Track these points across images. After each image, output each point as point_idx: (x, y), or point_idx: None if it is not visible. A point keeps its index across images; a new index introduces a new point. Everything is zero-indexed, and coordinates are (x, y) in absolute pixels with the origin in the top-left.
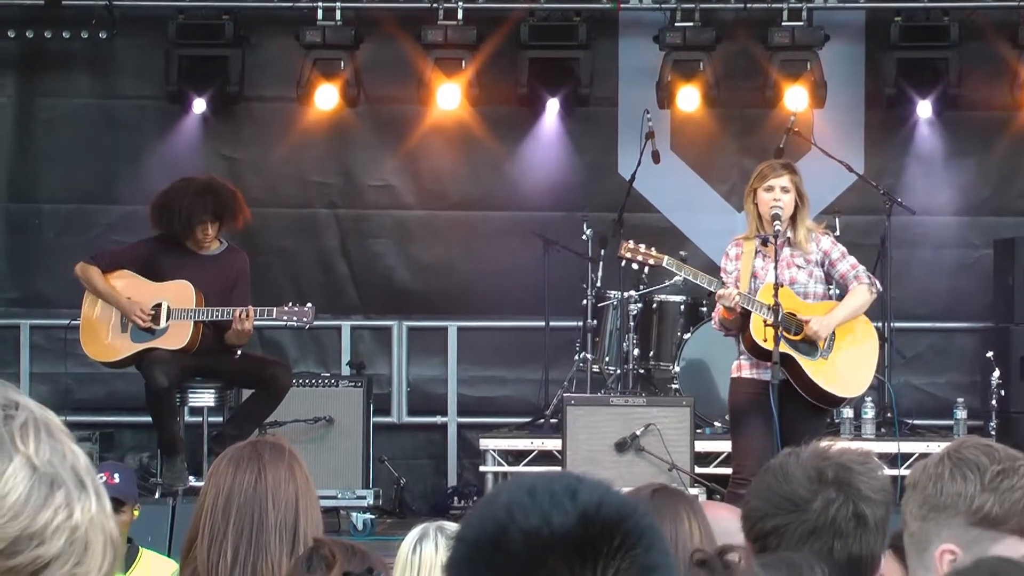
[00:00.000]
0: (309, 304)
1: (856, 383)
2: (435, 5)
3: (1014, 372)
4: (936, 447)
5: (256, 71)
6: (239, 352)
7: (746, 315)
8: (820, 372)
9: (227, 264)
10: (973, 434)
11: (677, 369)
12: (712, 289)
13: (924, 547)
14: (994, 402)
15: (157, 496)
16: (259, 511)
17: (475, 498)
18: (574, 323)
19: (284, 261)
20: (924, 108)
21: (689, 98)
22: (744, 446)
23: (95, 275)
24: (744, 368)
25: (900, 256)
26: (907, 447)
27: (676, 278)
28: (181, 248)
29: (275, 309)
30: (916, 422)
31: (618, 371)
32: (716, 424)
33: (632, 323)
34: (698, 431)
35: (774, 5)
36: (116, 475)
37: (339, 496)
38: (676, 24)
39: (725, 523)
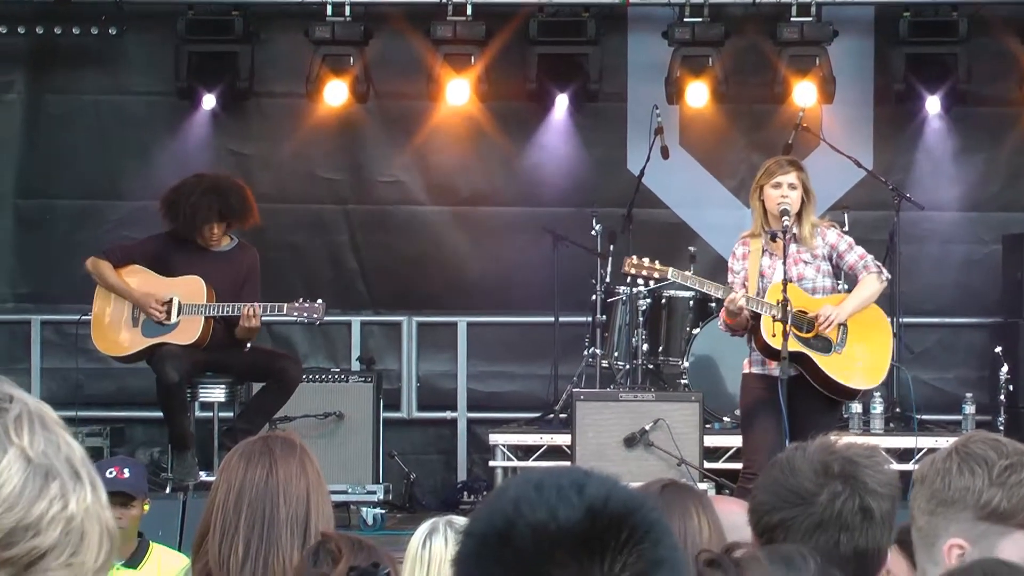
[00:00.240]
0: (319, 300)
1: (873, 374)
2: (444, 1)
3: (1023, 367)
4: (945, 442)
5: (265, 67)
6: (248, 346)
7: (755, 317)
8: (836, 367)
9: (238, 261)
10: (981, 429)
11: (686, 364)
12: (720, 296)
13: (932, 542)
14: (1002, 397)
15: (168, 491)
16: (270, 506)
17: (485, 493)
18: (583, 318)
19: (294, 257)
20: (933, 104)
21: (698, 94)
22: (754, 441)
23: (107, 270)
24: (755, 364)
25: (909, 251)
26: (916, 442)
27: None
28: (192, 244)
29: (285, 305)
30: (925, 417)
31: (627, 366)
32: (725, 419)
33: (641, 318)
34: (707, 426)
35: (783, 1)
36: (126, 470)
37: (349, 491)
38: (685, 20)
39: (734, 517)
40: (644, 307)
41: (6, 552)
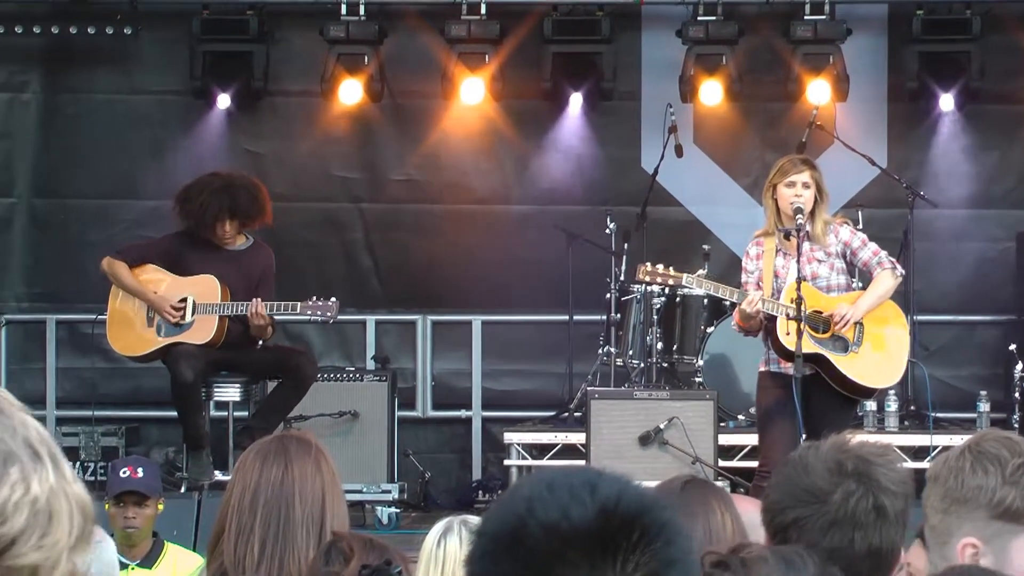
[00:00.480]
0: (333, 299)
1: (891, 372)
2: (459, 0)
3: None
4: (959, 440)
5: (280, 66)
6: (260, 343)
7: (770, 319)
8: (853, 366)
9: (252, 260)
10: (995, 427)
11: (701, 362)
12: (735, 300)
13: (945, 540)
14: (1017, 395)
15: (183, 490)
16: (286, 505)
17: (500, 492)
18: (598, 317)
19: (308, 256)
20: (947, 101)
21: (712, 92)
22: (770, 440)
23: (122, 270)
24: (770, 363)
25: (923, 249)
26: (931, 440)
27: (700, 272)
28: (206, 243)
29: (299, 304)
30: (939, 415)
31: (642, 365)
32: (740, 417)
33: (656, 317)
34: (721, 424)
35: None
36: (140, 470)
37: (364, 490)
38: (699, 18)
39: (749, 516)
40: (658, 305)
41: None
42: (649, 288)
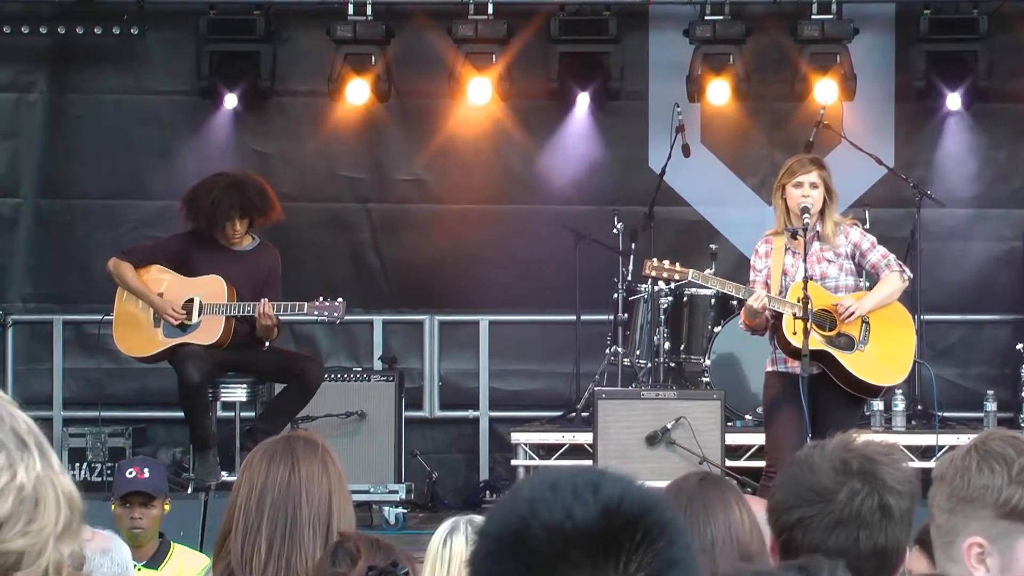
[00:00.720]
0: (340, 299)
1: (896, 370)
2: (466, 0)
3: None
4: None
5: (287, 66)
6: (267, 345)
7: (776, 316)
8: (858, 364)
9: (259, 260)
10: (1002, 426)
11: (708, 362)
12: (741, 296)
13: (952, 540)
14: None
15: (189, 491)
16: (293, 506)
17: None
18: (605, 317)
19: (315, 256)
20: (954, 101)
21: (719, 91)
22: (777, 440)
23: (127, 271)
24: (777, 363)
25: (930, 248)
26: (937, 440)
27: (707, 271)
28: (213, 243)
29: (306, 304)
30: (946, 414)
31: (649, 364)
32: (747, 417)
33: (663, 316)
34: (729, 424)
35: None
36: (146, 470)
37: (371, 490)
38: (706, 18)
39: (756, 515)
40: (666, 305)
41: None
42: (656, 288)
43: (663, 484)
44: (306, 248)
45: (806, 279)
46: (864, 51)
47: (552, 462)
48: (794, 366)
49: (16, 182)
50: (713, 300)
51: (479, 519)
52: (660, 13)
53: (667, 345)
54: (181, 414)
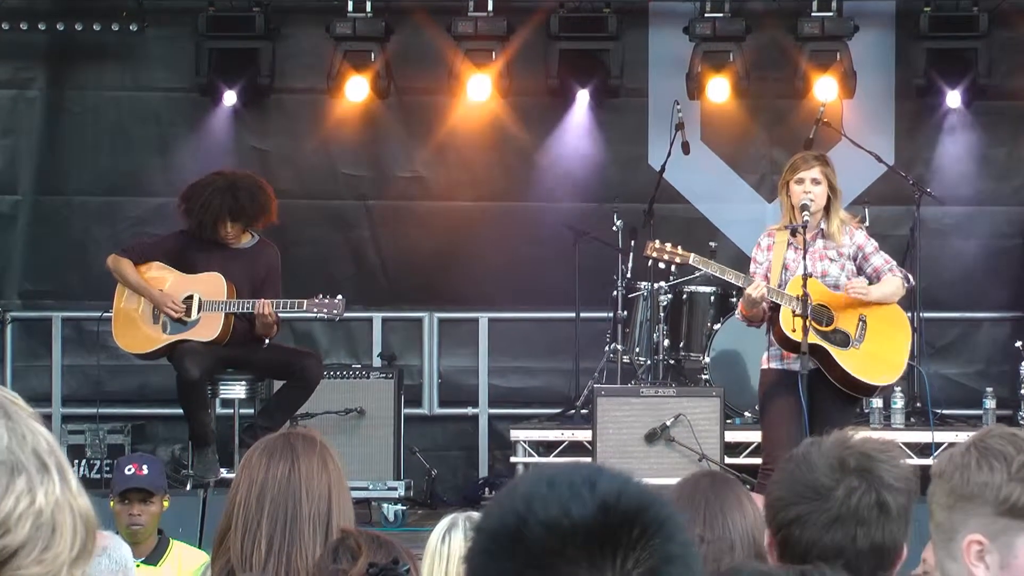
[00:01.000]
0: (339, 296)
1: (890, 370)
2: None
3: None
4: (965, 437)
5: (286, 63)
6: (267, 342)
7: (775, 308)
8: (853, 361)
9: (257, 258)
10: (1001, 423)
11: (707, 360)
12: (741, 284)
13: (951, 537)
14: (1023, 391)
15: (188, 488)
16: (293, 502)
17: None
18: (604, 314)
19: (315, 253)
20: (954, 98)
21: (719, 89)
22: (774, 437)
23: (127, 267)
24: (773, 359)
25: (930, 246)
26: (936, 437)
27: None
28: (212, 241)
29: (305, 301)
30: (945, 412)
31: (648, 362)
32: (746, 414)
33: (662, 314)
34: (728, 421)
35: None
36: (145, 467)
37: (370, 487)
38: (706, 15)
39: None
40: (665, 303)
41: None
42: (656, 285)
43: (662, 481)
44: (305, 245)
45: (805, 276)
46: (864, 48)
47: (551, 459)
48: (790, 361)
49: (15, 179)
50: (713, 297)
51: (478, 516)
52: (660, 10)
53: (666, 342)
54: (180, 411)
